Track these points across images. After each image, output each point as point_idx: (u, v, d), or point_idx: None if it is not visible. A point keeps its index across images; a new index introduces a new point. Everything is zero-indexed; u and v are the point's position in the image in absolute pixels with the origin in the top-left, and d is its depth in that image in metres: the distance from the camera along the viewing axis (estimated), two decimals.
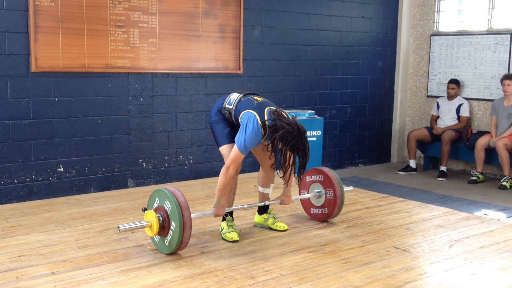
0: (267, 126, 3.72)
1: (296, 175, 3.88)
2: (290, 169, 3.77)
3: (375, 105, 7.73)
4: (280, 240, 4.11)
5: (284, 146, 3.62)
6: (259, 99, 3.95)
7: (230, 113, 3.98)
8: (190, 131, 6.12)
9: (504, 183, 6.31)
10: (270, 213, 4.37)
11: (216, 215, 3.95)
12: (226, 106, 4.01)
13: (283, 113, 3.78)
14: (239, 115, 3.86)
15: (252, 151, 4.16)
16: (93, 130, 5.49)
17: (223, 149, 3.99)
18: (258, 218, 4.42)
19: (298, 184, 4.12)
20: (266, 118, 3.74)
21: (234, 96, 4.00)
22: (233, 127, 4.02)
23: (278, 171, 3.81)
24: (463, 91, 7.30)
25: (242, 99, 3.95)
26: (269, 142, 3.70)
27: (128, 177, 5.75)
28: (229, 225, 4.10)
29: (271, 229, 4.33)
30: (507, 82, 6.51)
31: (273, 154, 3.69)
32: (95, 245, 3.92)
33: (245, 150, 3.76)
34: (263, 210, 4.39)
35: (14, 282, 3.26)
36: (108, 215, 4.70)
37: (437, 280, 3.40)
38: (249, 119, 3.76)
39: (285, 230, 4.30)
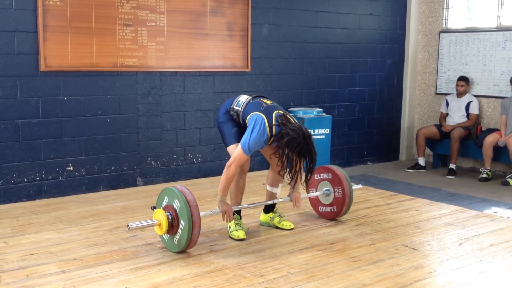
0: (273, 131, 3.73)
1: (303, 181, 3.87)
2: (297, 175, 3.78)
3: (383, 102, 7.70)
4: (288, 238, 4.11)
5: (291, 152, 3.64)
6: (268, 102, 3.96)
7: (238, 115, 3.99)
8: (199, 129, 6.13)
9: (509, 179, 6.28)
10: (276, 212, 4.37)
11: (224, 212, 3.91)
12: (235, 107, 4.01)
13: (289, 117, 3.80)
14: (247, 116, 3.87)
15: (261, 151, 4.16)
16: (102, 129, 5.51)
17: (231, 148, 3.99)
18: (264, 217, 4.42)
19: (305, 189, 4.12)
20: (273, 122, 3.75)
21: (243, 98, 4.01)
22: (240, 127, 4.02)
23: (286, 176, 3.80)
24: (472, 88, 7.26)
25: (251, 101, 3.96)
26: (276, 148, 3.70)
27: (137, 175, 5.77)
28: (237, 223, 4.11)
29: (277, 227, 4.33)
30: None
31: (280, 161, 3.69)
32: (105, 244, 3.93)
33: (249, 151, 3.77)
34: (269, 209, 4.39)
35: (24, 280, 3.29)
36: (117, 214, 4.72)
37: (447, 279, 3.39)
38: (256, 120, 3.77)
39: (291, 229, 4.30)
